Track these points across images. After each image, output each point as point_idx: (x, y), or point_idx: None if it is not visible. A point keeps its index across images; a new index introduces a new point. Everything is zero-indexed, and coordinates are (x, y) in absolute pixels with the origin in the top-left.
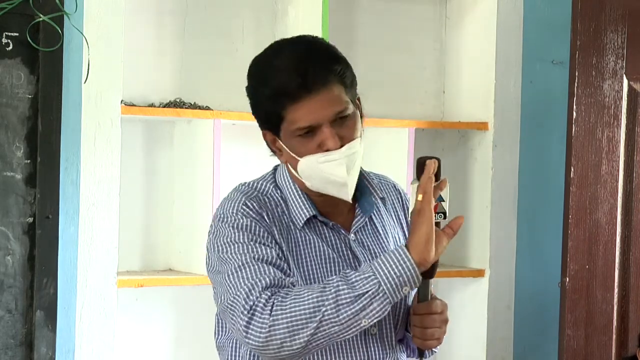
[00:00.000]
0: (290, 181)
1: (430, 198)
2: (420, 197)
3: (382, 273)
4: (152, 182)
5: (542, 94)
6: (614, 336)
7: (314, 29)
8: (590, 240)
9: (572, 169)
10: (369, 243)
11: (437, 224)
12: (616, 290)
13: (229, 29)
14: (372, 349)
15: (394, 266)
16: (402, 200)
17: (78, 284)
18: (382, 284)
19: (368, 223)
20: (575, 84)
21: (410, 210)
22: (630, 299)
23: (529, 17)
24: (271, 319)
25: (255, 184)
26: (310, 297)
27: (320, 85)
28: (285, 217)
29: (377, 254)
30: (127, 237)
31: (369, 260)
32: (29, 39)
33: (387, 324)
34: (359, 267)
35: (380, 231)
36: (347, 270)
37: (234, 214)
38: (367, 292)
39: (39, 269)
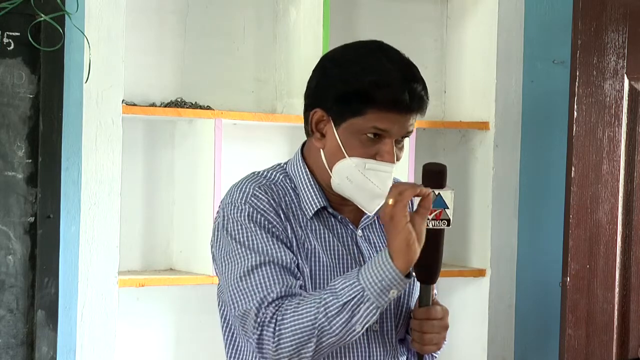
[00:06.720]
0: (304, 171)
1: (405, 205)
2: (391, 201)
3: (365, 278)
4: (153, 181)
5: (543, 94)
6: (615, 336)
7: (315, 29)
8: (591, 240)
9: (572, 169)
10: (375, 240)
11: (441, 231)
12: (617, 289)
13: (230, 29)
14: (373, 345)
15: (376, 271)
16: None
17: (79, 284)
18: (367, 289)
19: (375, 221)
20: (576, 84)
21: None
22: (631, 299)
23: (530, 17)
24: (276, 337)
25: (266, 173)
26: (307, 311)
27: (414, 112)
28: (294, 206)
29: None
30: (128, 237)
31: (374, 257)
32: (30, 38)
33: (388, 321)
34: (363, 263)
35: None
36: (335, 281)
37: (243, 203)
38: (352, 298)
39: (40, 268)
